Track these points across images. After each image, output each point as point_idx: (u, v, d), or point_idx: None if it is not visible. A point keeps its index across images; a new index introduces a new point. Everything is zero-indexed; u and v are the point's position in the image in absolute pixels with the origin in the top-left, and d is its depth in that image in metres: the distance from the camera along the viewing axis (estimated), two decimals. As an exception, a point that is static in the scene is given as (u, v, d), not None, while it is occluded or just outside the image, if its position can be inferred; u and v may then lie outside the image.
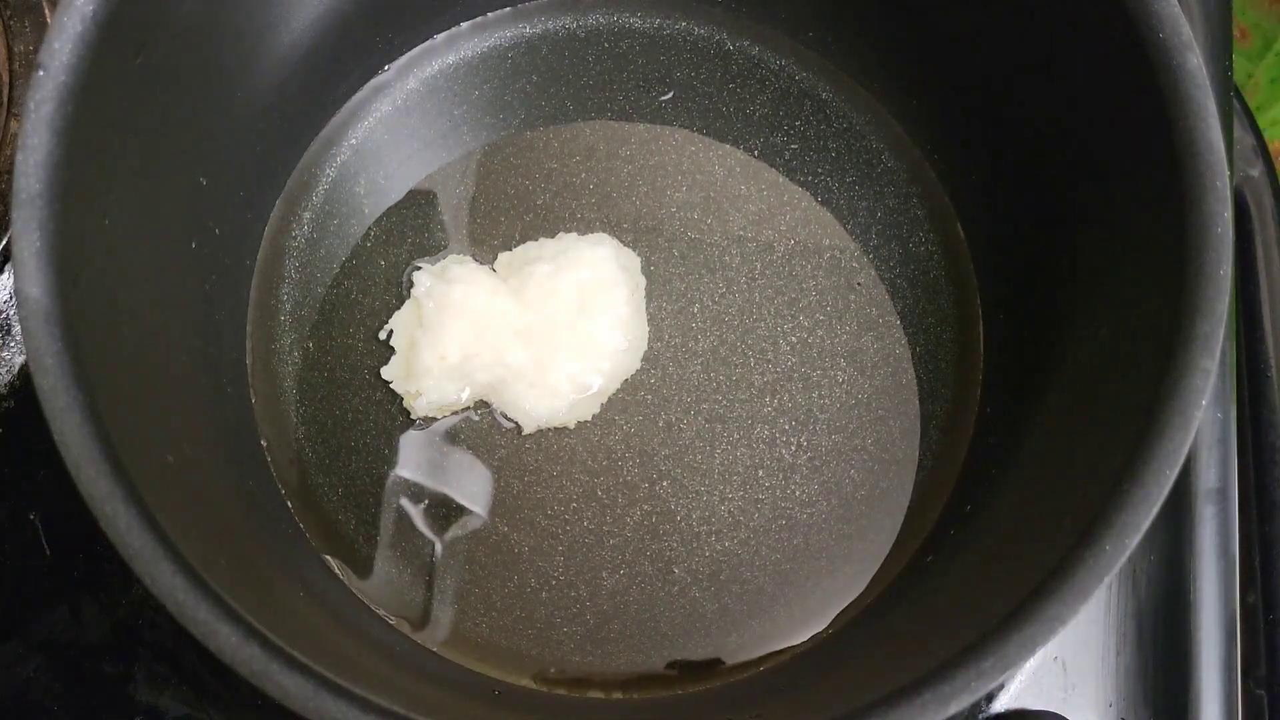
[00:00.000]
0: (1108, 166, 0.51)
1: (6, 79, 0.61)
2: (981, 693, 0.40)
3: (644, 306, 0.61)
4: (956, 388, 0.60)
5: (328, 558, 0.57)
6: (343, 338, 0.60)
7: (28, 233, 0.41)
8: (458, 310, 0.58)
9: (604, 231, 0.62)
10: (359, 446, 0.59)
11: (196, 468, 0.49)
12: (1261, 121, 0.83)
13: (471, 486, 0.58)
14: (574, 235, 0.62)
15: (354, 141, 0.64)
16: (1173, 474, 0.42)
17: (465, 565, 0.57)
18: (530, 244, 0.62)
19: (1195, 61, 0.45)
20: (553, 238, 0.62)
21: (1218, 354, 0.43)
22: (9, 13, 0.62)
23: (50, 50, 0.43)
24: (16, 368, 0.58)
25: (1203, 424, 0.44)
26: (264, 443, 0.58)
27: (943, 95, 0.61)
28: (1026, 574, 0.43)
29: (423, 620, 0.56)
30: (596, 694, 0.55)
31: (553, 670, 0.56)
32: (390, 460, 0.58)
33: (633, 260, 0.62)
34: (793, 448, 0.59)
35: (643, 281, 0.61)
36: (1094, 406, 0.49)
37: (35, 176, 0.42)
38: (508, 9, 0.66)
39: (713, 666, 0.56)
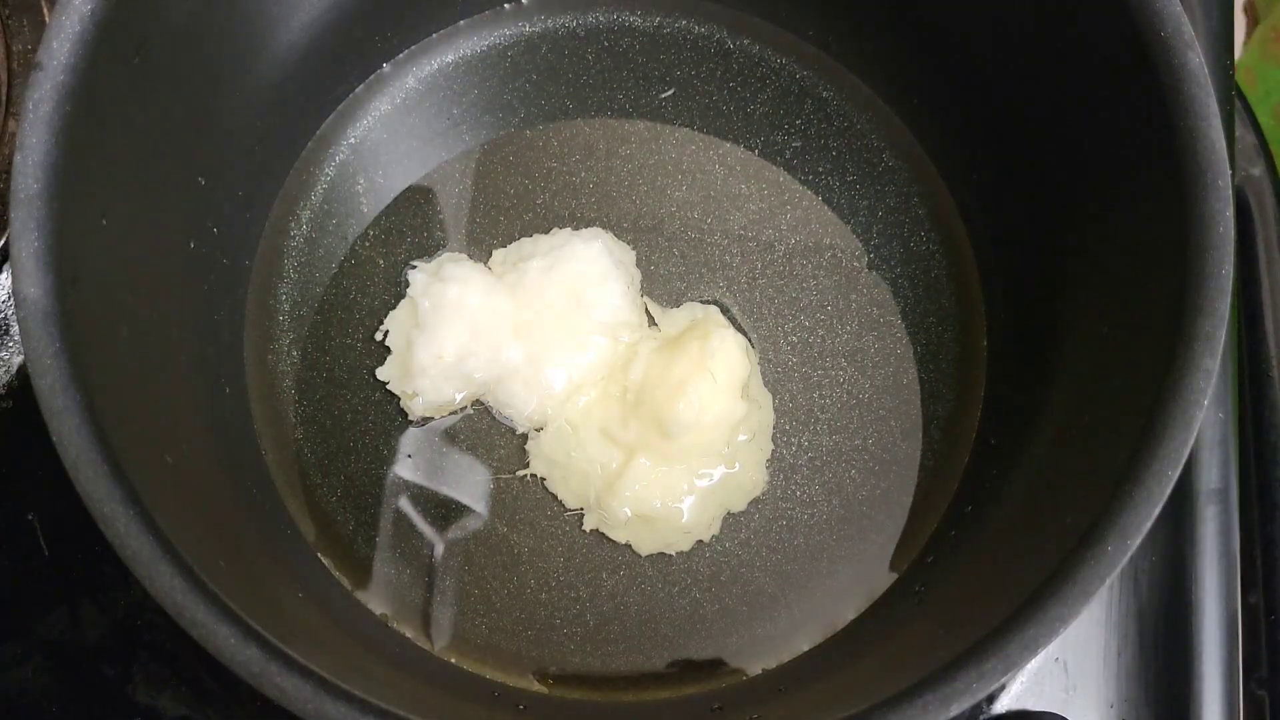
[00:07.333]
0: (1109, 165, 0.50)
1: (5, 78, 0.61)
2: (983, 694, 0.40)
3: (640, 300, 0.61)
4: (958, 387, 0.60)
5: (326, 558, 0.57)
6: (341, 337, 0.60)
7: (26, 233, 0.41)
8: (453, 309, 0.58)
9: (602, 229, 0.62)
10: (357, 447, 0.59)
11: (195, 468, 0.49)
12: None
13: (471, 486, 0.58)
14: (568, 230, 0.61)
15: (352, 140, 0.64)
16: (1174, 474, 0.42)
17: (464, 566, 0.57)
18: (525, 240, 0.61)
19: (1197, 60, 0.45)
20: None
21: (1219, 354, 0.43)
22: (7, 11, 0.62)
23: (49, 49, 0.43)
24: (15, 368, 0.58)
25: (1204, 424, 0.44)
26: (262, 443, 0.58)
27: (944, 94, 0.61)
28: (1028, 575, 0.43)
29: (422, 621, 0.56)
30: (596, 695, 0.55)
31: (553, 671, 0.56)
32: (389, 460, 0.58)
33: (628, 254, 0.61)
34: (793, 448, 0.59)
35: (638, 275, 0.61)
36: (1095, 406, 0.49)
37: (33, 176, 0.42)
38: (507, 6, 0.65)
39: (713, 667, 0.56)
